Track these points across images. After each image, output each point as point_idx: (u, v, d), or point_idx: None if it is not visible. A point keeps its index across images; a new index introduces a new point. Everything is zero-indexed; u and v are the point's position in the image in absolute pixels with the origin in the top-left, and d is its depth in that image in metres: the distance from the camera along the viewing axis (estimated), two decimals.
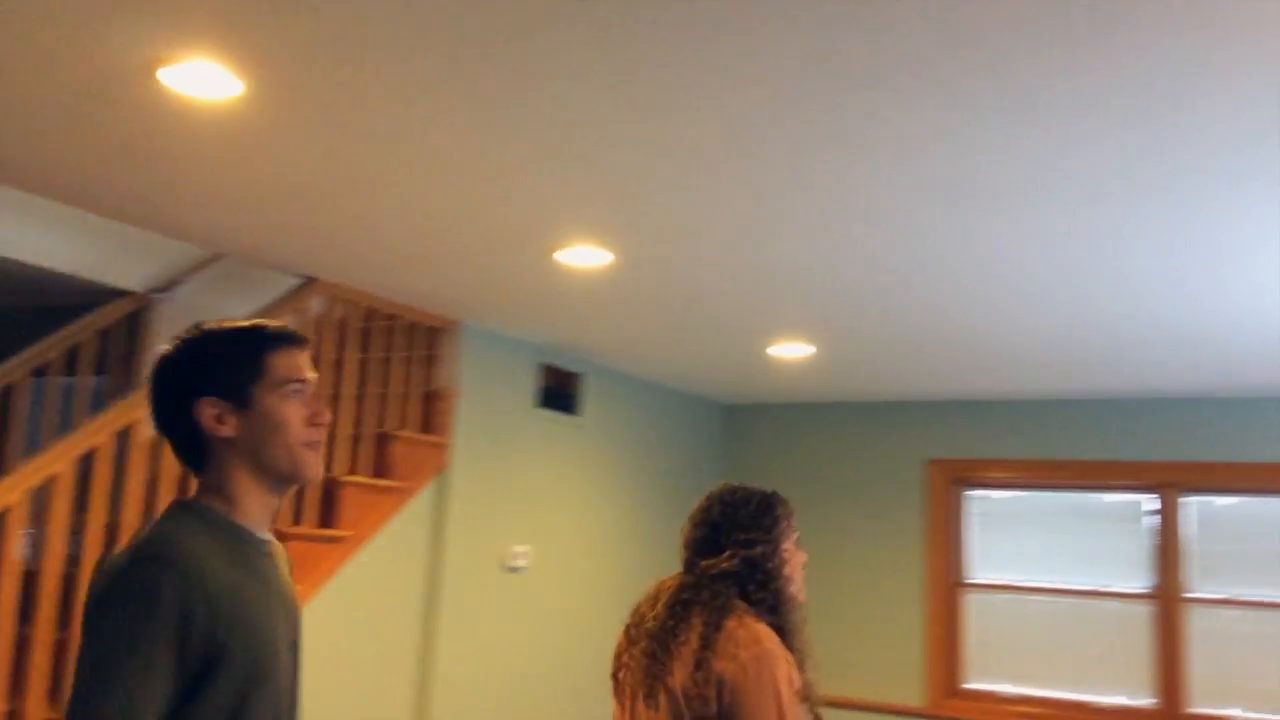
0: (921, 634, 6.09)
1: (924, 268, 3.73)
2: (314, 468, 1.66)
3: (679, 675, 2.19)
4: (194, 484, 1.67)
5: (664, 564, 6.44)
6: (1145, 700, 5.55)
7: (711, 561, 2.32)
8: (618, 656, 2.37)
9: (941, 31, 2.16)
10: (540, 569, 5.36)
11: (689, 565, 2.37)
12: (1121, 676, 5.62)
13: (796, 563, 2.38)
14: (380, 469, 4.61)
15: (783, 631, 2.26)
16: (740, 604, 2.25)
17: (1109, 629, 5.70)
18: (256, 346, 1.64)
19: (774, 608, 2.28)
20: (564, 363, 5.56)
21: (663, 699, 2.21)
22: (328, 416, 1.68)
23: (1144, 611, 5.63)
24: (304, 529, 4.24)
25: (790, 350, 5.15)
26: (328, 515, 4.36)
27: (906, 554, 6.20)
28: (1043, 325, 4.38)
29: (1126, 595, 5.68)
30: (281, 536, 4.12)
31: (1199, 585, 5.53)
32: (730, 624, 2.20)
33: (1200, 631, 5.50)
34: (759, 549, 2.31)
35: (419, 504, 4.72)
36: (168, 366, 1.65)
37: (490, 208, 3.39)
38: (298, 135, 2.87)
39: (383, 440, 4.66)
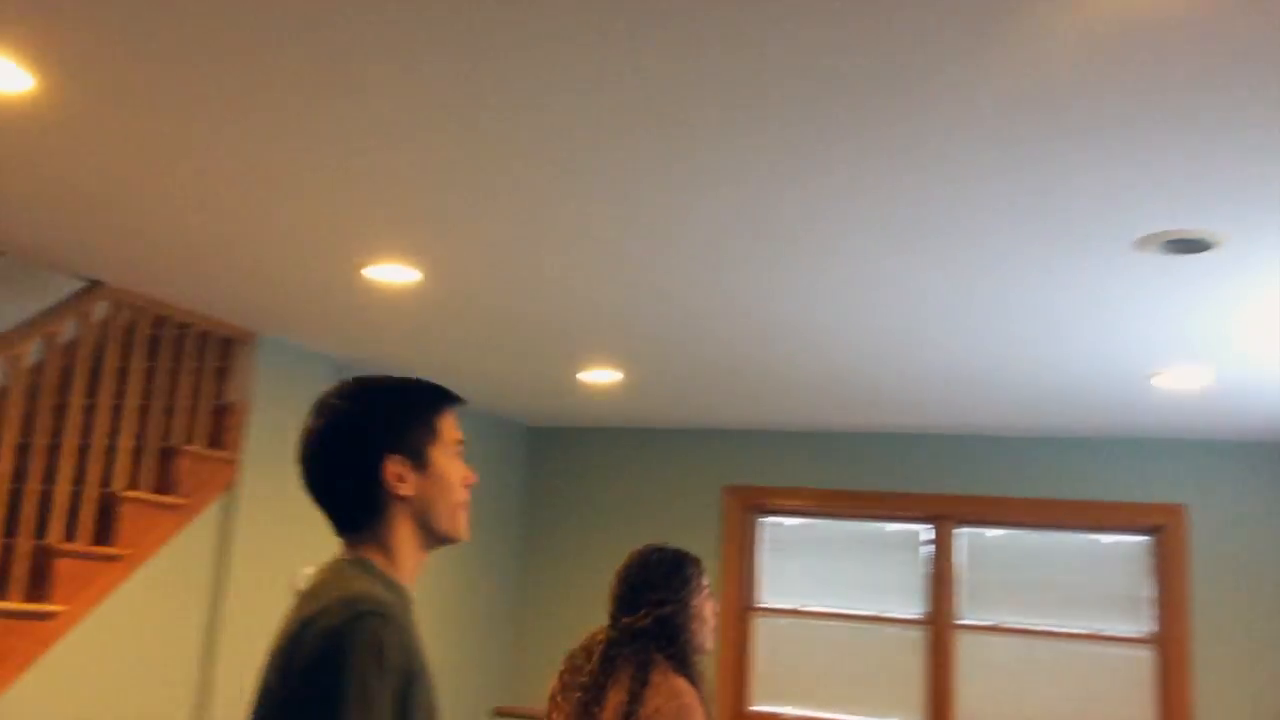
0: (713, 657, 6.22)
1: (725, 302, 3.84)
2: (467, 529, 1.73)
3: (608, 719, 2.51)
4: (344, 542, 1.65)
5: (462, 585, 6.35)
6: None
7: (630, 620, 2.64)
8: (552, 697, 2.71)
9: (735, 72, 2.24)
10: None
11: (613, 620, 2.69)
12: (897, 699, 5.90)
13: (706, 614, 2.71)
14: (163, 484, 4.40)
15: (693, 681, 2.57)
16: (659, 658, 2.58)
17: (887, 653, 5.97)
18: (430, 406, 1.69)
19: (684, 659, 2.61)
20: None
21: None
22: (474, 477, 1.73)
23: (919, 637, 5.93)
24: (79, 546, 4.00)
25: (598, 376, 5.20)
26: (104, 532, 4.13)
27: None
28: (834, 361, 4.58)
29: (903, 621, 5.97)
30: (51, 553, 3.90)
31: (969, 613, 5.87)
32: (655, 678, 2.53)
33: (968, 657, 5.83)
34: (669, 607, 2.64)
35: (204, 522, 4.53)
36: (348, 422, 1.64)
37: (293, 220, 3.30)
38: (90, 134, 2.73)
39: (167, 454, 4.45)
